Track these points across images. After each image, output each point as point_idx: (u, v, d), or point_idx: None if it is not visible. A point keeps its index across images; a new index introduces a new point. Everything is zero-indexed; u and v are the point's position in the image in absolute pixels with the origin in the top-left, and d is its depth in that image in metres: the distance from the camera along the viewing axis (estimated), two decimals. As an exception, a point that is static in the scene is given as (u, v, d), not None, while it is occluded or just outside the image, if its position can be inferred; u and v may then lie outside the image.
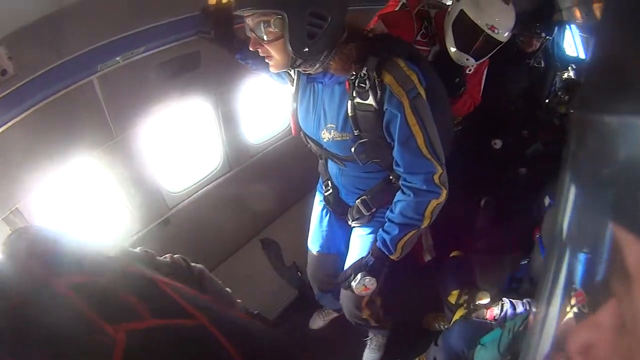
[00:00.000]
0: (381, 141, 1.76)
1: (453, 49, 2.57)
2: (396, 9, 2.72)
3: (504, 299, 2.40)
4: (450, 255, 3.04)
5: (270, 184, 3.18)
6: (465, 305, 2.55)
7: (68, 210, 2.27)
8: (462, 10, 2.49)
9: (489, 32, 2.46)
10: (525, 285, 2.62)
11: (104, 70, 1.93)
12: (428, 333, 2.94)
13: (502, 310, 2.34)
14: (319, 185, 2.33)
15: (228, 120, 2.84)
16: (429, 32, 2.65)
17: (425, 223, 1.82)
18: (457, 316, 2.53)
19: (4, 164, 1.74)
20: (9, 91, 1.59)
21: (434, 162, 1.74)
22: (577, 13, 4.27)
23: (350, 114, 1.72)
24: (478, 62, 2.64)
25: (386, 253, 1.88)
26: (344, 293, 2.25)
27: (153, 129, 2.42)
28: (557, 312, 0.43)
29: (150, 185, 2.51)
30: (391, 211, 1.86)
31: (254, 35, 1.61)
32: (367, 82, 1.64)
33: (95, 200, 2.37)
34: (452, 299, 2.67)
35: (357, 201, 2.06)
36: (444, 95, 2.00)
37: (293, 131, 2.01)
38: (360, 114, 1.71)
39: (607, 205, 0.33)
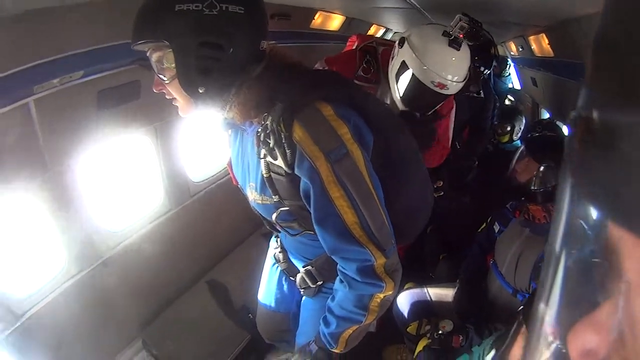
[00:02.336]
0: (306, 212, 1.38)
1: (398, 98, 2.29)
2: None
3: (467, 325, 2.41)
4: (404, 287, 2.99)
5: (214, 223, 3.07)
6: (428, 334, 2.52)
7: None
8: (403, 62, 2.20)
9: (436, 89, 2.15)
10: (486, 309, 2.63)
11: (39, 93, 1.80)
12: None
13: (467, 336, 2.34)
14: (271, 239, 2.02)
15: (168, 155, 2.76)
16: (372, 66, 2.34)
17: (370, 318, 1.45)
18: (420, 347, 2.50)
19: None
20: None
21: (370, 249, 1.32)
22: (513, 47, 4.68)
23: (265, 175, 1.37)
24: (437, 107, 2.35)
25: (327, 347, 1.53)
26: None
27: (91, 162, 2.29)
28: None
29: (86, 224, 2.34)
30: (332, 299, 1.50)
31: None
32: (271, 138, 1.28)
33: (25, 239, 2.14)
34: (412, 329, 2.66)
35: (302, 270, 1.73)
36: (410, 150, 1.56)
37: (233, 180, 1.72)
38: (274, 177, 1.36)
39: (606, 207, 0.32)
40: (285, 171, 1.31)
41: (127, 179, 2.79)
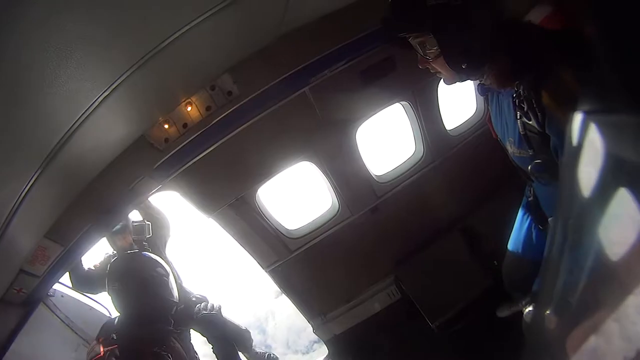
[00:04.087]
0: (556, 164, 1.53)
1: None
2: None
3: None
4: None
5: (472, 174, 3.09)
6: None
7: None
8: None
9: None
10: None
11: (314, 83, 2.25)
12: None
13: None
14: (526, 188, 2.15)
15: (427, 114, 2.87)
16: None
17: None
18: None
19: (243, 154, 2.36)
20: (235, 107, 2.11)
21: None
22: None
23: (521, 132, 1.55)
24: None
25: None
26: None
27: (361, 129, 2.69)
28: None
29: (363, 176, 2.83)
30: None
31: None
32: (525, 103, 1.45)
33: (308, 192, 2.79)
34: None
35: (550, 220, 1.85)
36: None
37: (493, 134, 1.89)
38: (529, 134, 1.53)
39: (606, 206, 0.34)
40: (537, 130, 1.47)
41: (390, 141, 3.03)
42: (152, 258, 2.59)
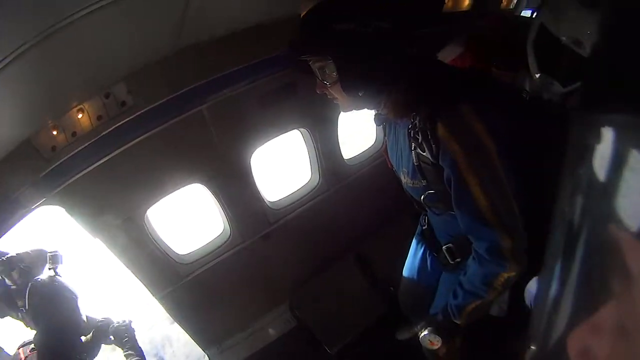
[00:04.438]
0: (449, 194, 1.58)
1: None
2: None
3: None
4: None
5: (367, 203, 3.28)
6: None
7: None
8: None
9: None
10: None
11: (211, 101, 2.34)
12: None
13: None
14: (420, 217, 2.20)
15: (325, 143, 3.04)
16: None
17: (492, 295, 1.61)
18: None
19: (134, 171, 2.32)
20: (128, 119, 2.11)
21: (498, 231, 1.48)
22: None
23: (415, 163, 1.58)
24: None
25: (452, 318, 1.74)
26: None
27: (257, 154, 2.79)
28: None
29: (253, 203, 2.87)
30: (464, 274, 1.69)
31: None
32: (420, 135, 1.48)
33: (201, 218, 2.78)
34: None
35: (444, 248, 1.93)
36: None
37: (388, 164, 1.95)
38: (423, 165, 1.56)
39: (607, 206, 0.33)
40: (431, 161, 1.50)
41: (288, 166, 3.19)
42: (66, 283, 2.48)
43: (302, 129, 2.91)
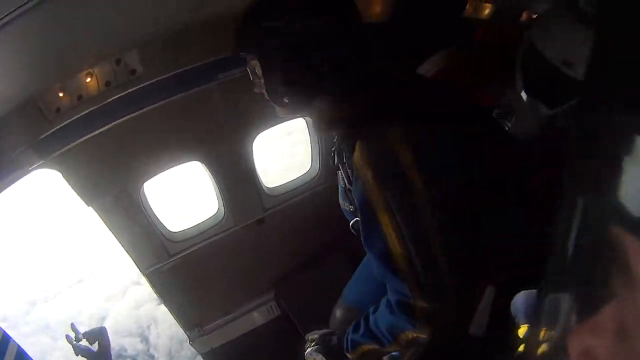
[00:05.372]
0: None
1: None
2: None
3: None
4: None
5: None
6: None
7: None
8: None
9: None
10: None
11: (221, 80, 2.29)
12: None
13: None
14: None
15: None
16: None
17: (392, 348, 1.42)
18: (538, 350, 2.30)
19: (136, 142, 2.29)
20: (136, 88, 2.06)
21: (410, 286, 1.21)
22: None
23: (342, 185, 1.42)
24: None
25: (344, 349, 1.54)
26: None
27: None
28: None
29: (255, 184, 2.85)
30: (374, 310, 1.43)
31: None
32: (342, 154, 1.31)
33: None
34: (522, 332, 2.46)
35: None
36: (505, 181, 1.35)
37: None
38: (348, 188, 1.38)
39: (609, 206, 0.33)
40: (348, 187, 1.34)
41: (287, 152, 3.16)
42: None
43: (307, 118, 2.86)
